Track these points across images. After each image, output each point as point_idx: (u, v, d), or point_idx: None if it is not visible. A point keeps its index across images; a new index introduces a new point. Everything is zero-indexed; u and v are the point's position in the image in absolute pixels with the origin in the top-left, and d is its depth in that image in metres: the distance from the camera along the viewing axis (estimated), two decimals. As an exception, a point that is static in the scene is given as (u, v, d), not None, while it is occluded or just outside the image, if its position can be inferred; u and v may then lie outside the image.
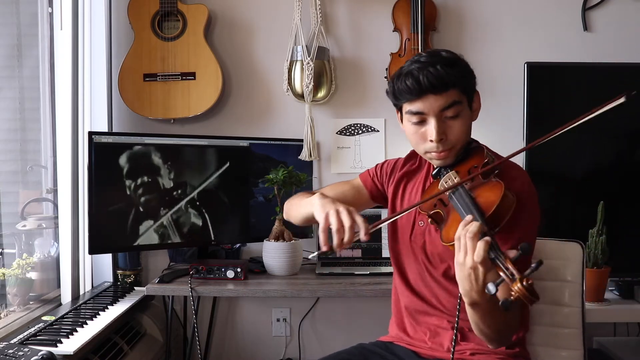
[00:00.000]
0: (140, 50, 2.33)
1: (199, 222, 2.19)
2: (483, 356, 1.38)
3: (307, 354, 2.51)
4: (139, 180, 2.08)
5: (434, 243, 1.39)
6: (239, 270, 2.05)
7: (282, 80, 2.40)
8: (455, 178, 1.29)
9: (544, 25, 2.42)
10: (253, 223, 2.29)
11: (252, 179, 2.29)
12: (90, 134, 2.01)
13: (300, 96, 2.36)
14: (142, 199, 2.09)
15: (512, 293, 0.95)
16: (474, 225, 1.06)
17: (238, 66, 2.48)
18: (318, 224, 1.30)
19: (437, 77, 1.25)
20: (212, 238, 2.23)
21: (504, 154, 1.42)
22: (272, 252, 2.11)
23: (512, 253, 1.01)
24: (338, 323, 2.51)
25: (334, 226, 1.24)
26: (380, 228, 1.36)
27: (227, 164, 2.25)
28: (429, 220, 1.30)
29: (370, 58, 2.46)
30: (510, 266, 0.98)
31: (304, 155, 2.38)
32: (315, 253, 1.29)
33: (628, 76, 2.16)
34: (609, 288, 2.08)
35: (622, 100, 1.14)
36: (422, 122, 1.31)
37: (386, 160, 1.61)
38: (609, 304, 1.97)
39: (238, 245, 2.42)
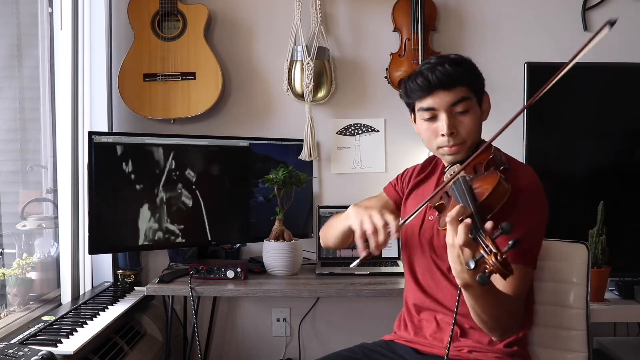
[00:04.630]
0: (140, 50, 2.33)
1: (189, 203, 2.18)
2: (481, 354, 1.39)
3: (307, 354, 2.51)
4: (139, 180, 2.08)
5: (441, 235, 1.42)
6: (239, 270, 2.05)
7: (282, 80, 2.40)
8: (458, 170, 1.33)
9: (544, 25, 2.42)
10: (253, 223, 2.29)
11: (252, 179, 2.29)
12: (90, 134, 2.01)
13: (300, 96, 2.36)
14: (139, 196, 2.09)
15: (487, 266, 1.00)
16: (456, 209, 1.11)
17: (238, 66, 2.47)
18: (354, 244, 1.36)
19: (445, 74, 1.35)
20: (211, 238, 2.23)
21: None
22: (272, 252, 2.11)
23: (492, 230, 1.05)
24: (338, 323, 2.51)
25: (368, 230, 1.30)
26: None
27: (227, 164, 2.25)
28: (436, 212, 1.35)
29: (370, 58, 2.46)
30: (489, 243, 1.03)
31: (304, 155, 2.38)
32: (356, 261, 1.30)
33: (628, 76, 2.15)
34: (609, 288, 2.08)
35: (606, 31, 1.14)
36: (433, 118, 1.39)
37: (406, 169, 1.68)
38: (609, 304, 1.97)
39: (238, 245, 2.42)
